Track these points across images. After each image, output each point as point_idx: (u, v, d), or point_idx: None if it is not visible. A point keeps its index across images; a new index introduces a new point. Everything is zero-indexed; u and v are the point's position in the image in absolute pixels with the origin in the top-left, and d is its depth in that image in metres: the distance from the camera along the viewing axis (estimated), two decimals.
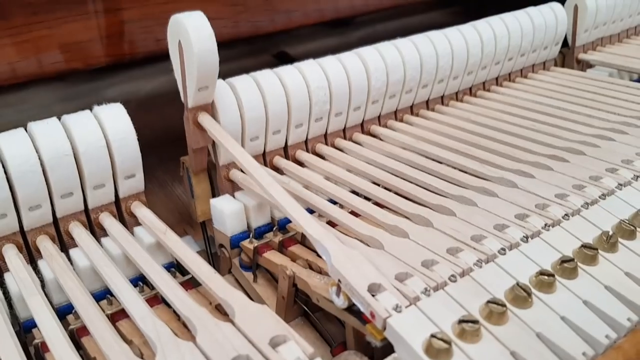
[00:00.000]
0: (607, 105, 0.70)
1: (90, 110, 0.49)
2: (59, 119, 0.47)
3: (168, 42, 0.52)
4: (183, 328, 0.42)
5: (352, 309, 0.41)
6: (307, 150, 0.62)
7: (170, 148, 0.58)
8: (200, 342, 0.34)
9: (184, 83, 0.52)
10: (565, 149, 0.58)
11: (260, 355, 0.33)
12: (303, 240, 0.52)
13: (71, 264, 0.46)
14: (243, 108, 0.54)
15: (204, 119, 0.53)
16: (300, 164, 0.60)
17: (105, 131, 0.48)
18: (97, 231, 0.50)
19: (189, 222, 0.68)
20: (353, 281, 0.38)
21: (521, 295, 0.38)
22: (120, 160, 0.49)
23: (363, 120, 0.66)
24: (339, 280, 0.39)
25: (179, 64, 0.52)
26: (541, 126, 0.65)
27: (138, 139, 0.50)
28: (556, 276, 0.40)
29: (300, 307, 0.49)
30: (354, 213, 0.50)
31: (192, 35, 0.48)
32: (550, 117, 0.67)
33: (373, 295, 0.37)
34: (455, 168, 0.57)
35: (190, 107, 0.53)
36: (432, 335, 0.34)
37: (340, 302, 0.40)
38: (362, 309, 0.38)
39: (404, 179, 0.55)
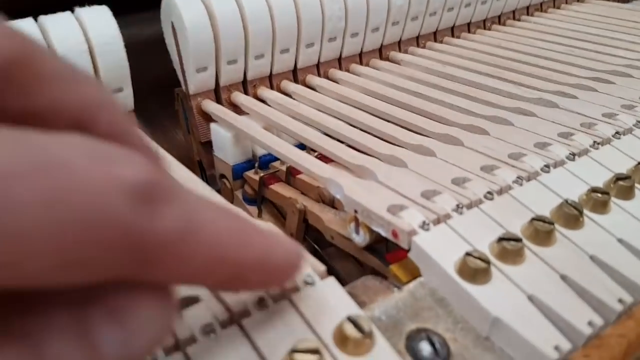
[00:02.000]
0: None
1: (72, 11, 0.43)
2: (36, 20, 0.41)
3: (162, 27, 0.49)
4: None
5: (372, 247, 0.35)
6: (320, 75, 0.56)
7: (173, 94, 0.53)
8: None
9: (182, 68, 0.48)
10: (610, 72, 0.52)
11: None
12: (287, 178, 0.47)
13: None
14: (246, 19, 0.48)
15: (209, 105, 0.49)
16: (312, 89, 0.54)
17: (88, 34, 0.42)
18: None
19: (192, 168, 0.63)
20: (370, 205, 0.33)
21: (572, 214, 0.32)
22: (105, 69, 0.43)
23: (382, 44, 0.59)
24: (356, 211, 0.34)
25: (175, 49, 0.48)
26: (580, 52, 0.58)
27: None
28: (610, 195, 0.34)
29: (310, 245, 0.44)
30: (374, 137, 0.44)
31: (184, 12, 0.45)
32: (589, 44, 0.60)
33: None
34: (486, 91, 0.50)
35: (192, 93, 0.49)
36: (468, 254, 0.29)
37: (361, 238, 0.35)
38: (382, 233, 0.32)
39: (428, 101, 0.48)
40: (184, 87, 0.49)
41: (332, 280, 0.28)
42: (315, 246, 0.43)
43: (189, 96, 0.49)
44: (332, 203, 0.42)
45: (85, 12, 0.42)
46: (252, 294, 0.26)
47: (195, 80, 0.47)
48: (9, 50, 0.16)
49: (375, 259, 0.35)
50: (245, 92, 0.51)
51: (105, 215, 0.14)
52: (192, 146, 0.53)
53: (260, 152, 0.48)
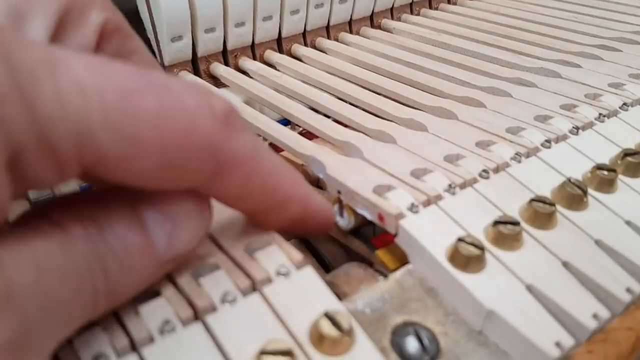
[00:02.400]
0: None
1: None
2: None
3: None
4: None
5: (358, 231, 0.33)
6: (306, 45, 0.52)
7: None
8: None
9: (156, 37, 0.44)
10: (616, 39, 0.48)
11: (231, 262, 0.25)
12: None
13: None
14: None
15: (185, 77, 0.46)
16: (298, 60, 0.50)
17: None
18: None
19: None
20: (354, 185, 0.30)
21: (575, 194, 0.29)
22: None
23: (373, 11, 0.56)
24: (339, 192, 0.31)
25: (147, 17, 0.44)
26: (585, 17, 0.55)
27: None
28: (617, 172, 0.31)
29: None
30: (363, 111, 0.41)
31: None
32: (594, 9, 0.57)
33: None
34: (483, 60, 0.47)
35: (167, 64, 0.45)
36: (460, 239, 0.26)
37: (345, 222, 0.32)
38: (368, 216, 0.30)
39: (421, 72, 0.45)
40: (158, 58, 0.45)
41: (309, 270, 0.25)
42: None
43: (164, 67, 0.45)
44: (317, 182, 0.39)
45: None
46: (217, 287, 0.24)
47: (170, 51, 0.44)
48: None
49: (361, 243, 0.32)
50: (226, 63, 0.48)
51: (198, 129, 0.18)
52: None
53: None
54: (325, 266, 0.40)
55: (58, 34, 0.21)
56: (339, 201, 0.32)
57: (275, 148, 0.42)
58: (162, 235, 0.20)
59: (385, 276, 0.28)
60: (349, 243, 0.34)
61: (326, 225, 0.27)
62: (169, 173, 0.19)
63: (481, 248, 0.25)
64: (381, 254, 0.30)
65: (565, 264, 0.26)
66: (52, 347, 0.18)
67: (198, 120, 0.18)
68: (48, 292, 0.17)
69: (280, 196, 0.23)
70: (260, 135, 0.43)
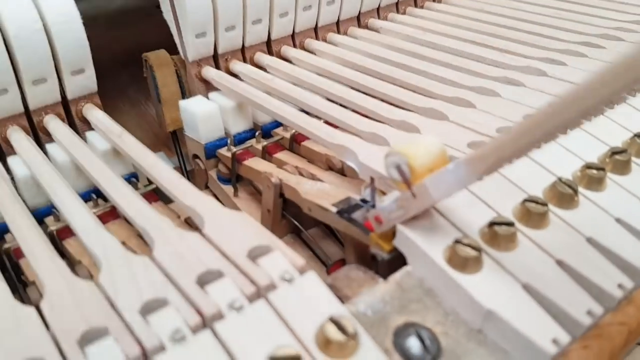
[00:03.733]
0: None
1: None
2: None
3: None
4: (144, 246, 0.34)
5: (351, 217, 0.33)
6: (295, 46, 0.52)
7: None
8: (159, 255, 0.27)
9: (179, 33, 0.45)
10: (600, 36, 0.49)
11: (235, 269, 0.25)
12: (291, 146, 0.44)
13: (9, 174, 0.38)
14: None
15: (209, 72, 0.46)
16: (288, 61, 0.51)
17: (42, 11, 0.38)
18: (42, 137, 0.41)
19: (165, 143, 0.60)
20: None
21: (566, 193, 0.30)
22: (63, 49, 0.39)
23: (360, 11, 0.56)
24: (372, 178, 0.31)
25: (171, 15, 0.45)
26: (569, 14, 0.56)
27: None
28: (606, 171, 0.32)
29: (290, 223, 0.41)
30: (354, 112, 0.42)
31: None
32: (578, 6, 0.58)
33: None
34: (470, 59, 0.48)
35: (192, 60, 0.46)
36: (457, 241, 0.26)
37: None
38: None
39: (409, 72, 0.46)
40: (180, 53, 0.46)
41: (312, 275, 0.26)
42: (296, 223, 0.40)
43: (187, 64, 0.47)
44: (341, 171, 0.39)
45: None
46: (224, 294, 0.24)
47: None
48: None
49: (355, 227, 0.32)
50: (217, 67, 0.48)
51: None
52: (162, 116, 0.50)
53: (234, 129, 0.45)
54: (321, 259, 0.40)
55: None
56: (372, 186, 0.32)
57: (299, 138, 0.43)
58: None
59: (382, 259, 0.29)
60: (342, 228, 0.34)
61: None
62: None
63: (478, 249, 0.26)
64: (376, 237, 0.30)
65: (559, 262, 0.27)
66: None
67: None
68: None
69: None
70: (286, 126, 0.44)
